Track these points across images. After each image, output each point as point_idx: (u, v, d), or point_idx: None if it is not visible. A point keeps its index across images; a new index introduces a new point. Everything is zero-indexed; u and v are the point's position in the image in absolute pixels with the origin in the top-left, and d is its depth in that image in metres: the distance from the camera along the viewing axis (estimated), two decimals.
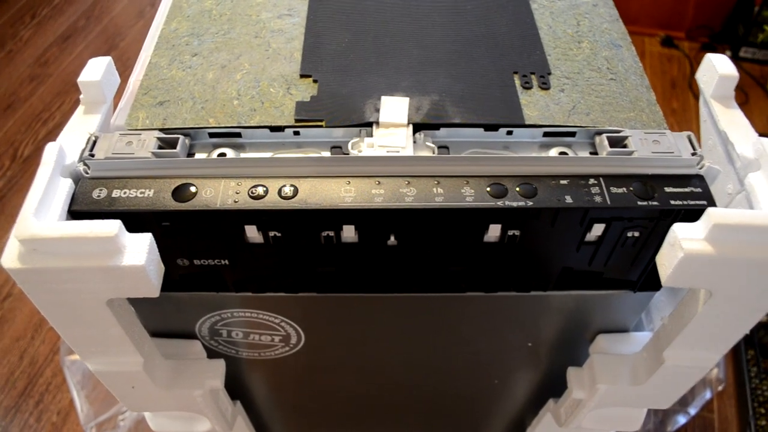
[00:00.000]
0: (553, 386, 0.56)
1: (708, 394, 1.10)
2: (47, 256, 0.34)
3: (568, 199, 0.37)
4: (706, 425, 1.08)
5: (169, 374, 0.47)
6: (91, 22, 1.85)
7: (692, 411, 1.08)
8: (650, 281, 0.44)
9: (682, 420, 1.07)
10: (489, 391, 0.61)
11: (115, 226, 0.33)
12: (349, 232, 0.38)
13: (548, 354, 0.54)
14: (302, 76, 0.45)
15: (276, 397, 0.63)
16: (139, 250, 0.34)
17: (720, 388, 1.11)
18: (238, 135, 0.42)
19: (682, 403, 1.09)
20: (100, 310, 0.37)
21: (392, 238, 0.39)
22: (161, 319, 0.49)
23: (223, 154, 0.42)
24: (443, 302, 0.47)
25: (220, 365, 0.49)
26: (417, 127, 0.41)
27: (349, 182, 0.38)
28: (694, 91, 1.66)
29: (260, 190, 0.37)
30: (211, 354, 0.53)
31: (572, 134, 0.42)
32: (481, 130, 0.42)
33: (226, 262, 0.41)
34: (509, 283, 0.44)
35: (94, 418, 1.07)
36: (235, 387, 0.58)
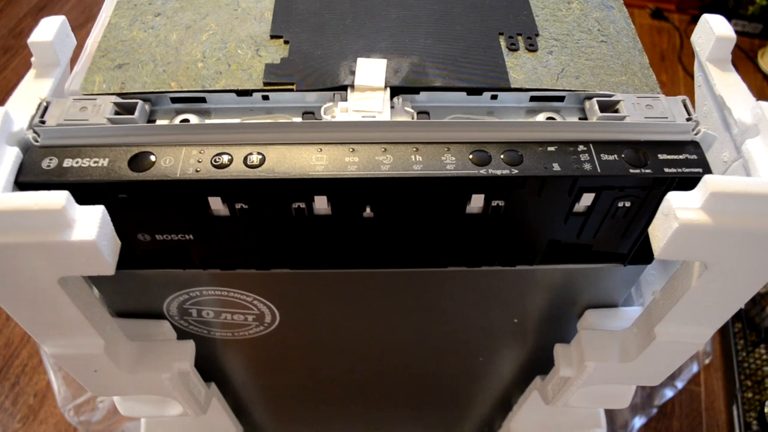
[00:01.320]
0: (540, 363, 0.55)
1: (695, 368, 1.10)
2: None
3: (556, 167, 0.34)
4: (693, 398, 1.08)
5: (134, 357, 0.44)
6: None
7: (679, 384, 1.08)
8: (641, 254, 0.42)
9: (669, 393, 1.07)
10: (474, 369, 0.59)
11: (62, 197, 0.30)
12: (321, 204, 0.36)
13: (535, 330, 0.52)
14: (273, 37, 0.42)
15: (253, 379, 0.60)
16: (90, 223, 0.31)
17: (707, 361, 1.11)
18: (203, 100, 0.39)
19: (669, 376, 1.08)
20: (51, 290, 0.35)
21: (368, 210, 0.37)
22: (126, 299, 0.46)
23: (186, 121, 0.39)
24: (424, 278, 0.44)
25: (189, 346, 0.46)
26: (395, 91, 0.39)
27: (321, 149, 0.35)
28: (684, 64, 1.64)
29: (224, 159, 0.35)
30: (182, 335, 0.50)
31: (561, 99, 0.40)
32: (464, 94, 0.39)
33: (191, 237, 0.39)
34: (494, 258, 0.42)
35: (72, 400, 1.04)
36: (210, 368, 0.55)
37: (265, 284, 0.45)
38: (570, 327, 0.50)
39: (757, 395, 1.05)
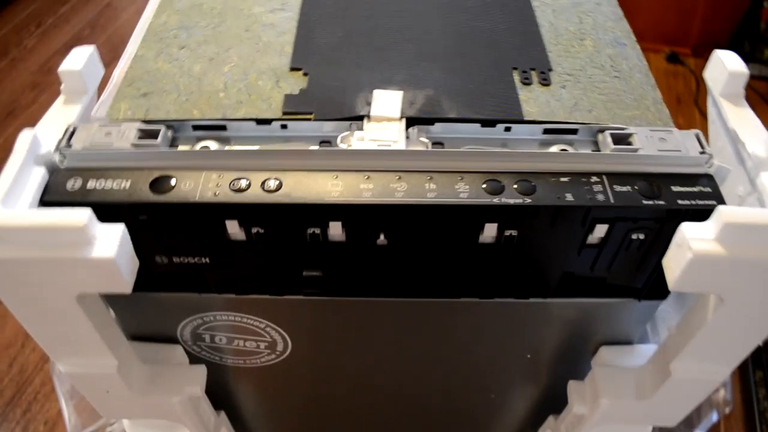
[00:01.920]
0: (553, 402, 0.54)
1: (715, 417, 1.06)
2: (14, 246, 0.32)
3: (569, 197, 0.35)
4: None
5: (146, 379, 0.44)
6: (96, 32, 1.85)
7: None
8: (656, 289, 0.41)
9: None
10: (485, 406, 0.58)
11: (85, 215, 0.31)
12: (336, 230, 0.36)
13: (548, 367, 0.52)
14: (292, 69, 0.43)
15: (263, 408, 0.60)
16: (111, 241, 0.32)
17: (727, 410, 1.08)
18: (223, 128, 0.41)
19: (688, 424, 1.05)
20: (69, 306, 0.35)
21: (382, 237, 0.37)
22: (141, 322, 0.47)
23: (206, 147, 0.40)
24: (436, 308, 0.44)
25: (200, 371, 0.46)
26: (410, 122, 0.39)
27: (337, 176, 0.36)
28: (700, 107, 1.64)
29: (242, 183, 0.35)
30: (194, 360, 0.50)
31: (574, 131, 0.40)
32: (478, 126, 0.40)
33: (207, 260, 0.39)
34: (507, 289, 0.42)
35: (82, 429, 1.04)
36: (220, 396, 0.55)
37: (278, 311, 0.45)
38: (584, 364, 0.49)
39: None
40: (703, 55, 1.83)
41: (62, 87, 0.42)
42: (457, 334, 0.47)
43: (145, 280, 0.41)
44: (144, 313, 0.46)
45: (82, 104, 0.41)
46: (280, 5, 0.49)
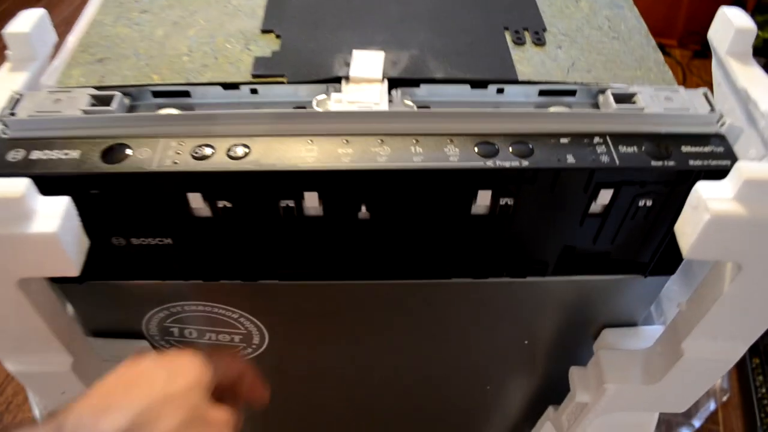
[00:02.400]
0: (553, 391, 0.50)
1: (712, 405, 1.04)
2: None
3: (570, 159, 0.31)
4: None
5: None
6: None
7: (696, 423, 1.02)
8: (663, 264, 0.38)
9: None
10: (480, 398, 0.55)
11: (21, 185, 0.27)
12: (312, 202, 0.32)
13: (547, 353, 0.48)
14: (264, 31, 0.39)
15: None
16: (53, 214, 0.28)
17: (724, 398, 1.05)
18: (187, 94, 0.37)
19: (686, 414, 1.03)
20: (11, 293, 0.31)
21: (363, 210, 0.33)
22: (101, 314, 0.42)
23: None
24: (425, 291, 0.41)
25: None
26: (393, 84, 0.36)
27: (312, 141, 0.32)
28: None
29: (206, 151, 0.32)
30: None
31: (572, 93, 0.37)
32: (468, 87, 0.36)
33: (170, 241, 0.35)
34: (502, 268, 0.38)
35: None
36: None
37: (252, 299, 0.41)
38: (585, 349, 0.46)
39: None
40: (689, 46, 1.81)
41: (8, 53, 0.38)
42: (449, 319, 0.44)
43: (102, 267, 0.37)
44: (104, 304, 0.42)
45: (30, 71, 0.37)
46: None
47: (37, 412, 1.08)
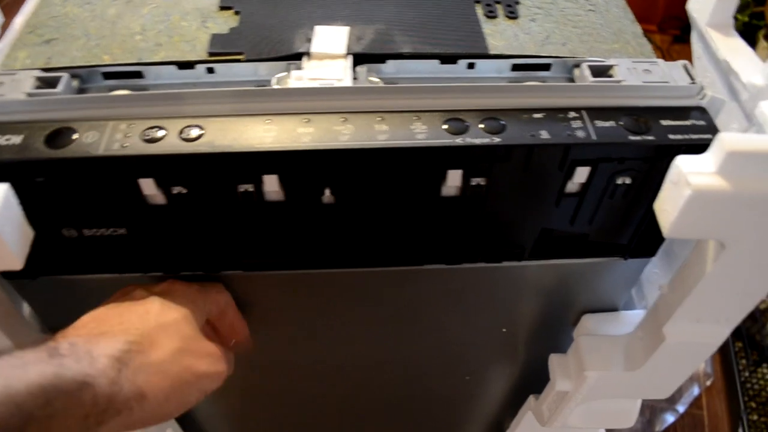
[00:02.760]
0: (533, 380, 0.49)
1: (696, 390, 1.04)
2: None
3: (544, 135, 0.30)
4: (696, 423, 1.02)
5: None
6: None
7: (680, 408, 1.02)
8: (644, 245, 0.37)
9: (670, 419, 1.01)
10: (459, 389, 0.53)
11: None
12: (272, 185, 0.30)
13: (526, 341, 0.47)
14: (222, 8, 0.37)
15: (214, 407, 0.54)
16: None
17: (708, 383, 1.05)
18: (139, 75, 0.34)
19: (670, 400, 1.02)
20: None
21: (327, 194, 0.31)
22: (58, 312, 0.40)
23: None
24: (397, 279, 0.39)
25: None
26: (358, 60, 0.34)
27: (270, 120, 0.30)
28: None
29: (157, 133, 0.29)
30: None
31: (546, 67, 0.35)
32: (437, 63, 0.34)
33: (124, 231, 0.33)
34: (476, 252, 0.37)
35: None
36: None
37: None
38: (565, 335, 0.45)
39: (762, 417, 0.99)
40: (669, 31, 1.81)
41: None
42: (423, 307, 0.42)
43: (55, 261, 0.35)
44: (61, 301, 0.39)
45: None
46: None
47: None
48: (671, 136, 0.30)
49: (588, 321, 0.42)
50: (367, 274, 0.38)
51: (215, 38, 0.35)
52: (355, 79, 0.33)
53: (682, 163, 0.27)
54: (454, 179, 0.31)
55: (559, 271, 0.39)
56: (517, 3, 0.38)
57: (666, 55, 1.71)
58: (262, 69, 0.34)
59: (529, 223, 0.35)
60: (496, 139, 0.29)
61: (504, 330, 0.45)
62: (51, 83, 0.33)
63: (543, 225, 0.35)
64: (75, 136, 0.30)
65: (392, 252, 0.36)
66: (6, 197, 0.27)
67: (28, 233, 0.29)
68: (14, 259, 0.28)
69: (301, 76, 0.32)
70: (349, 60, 0.33)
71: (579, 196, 0.33)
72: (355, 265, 0.37)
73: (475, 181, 0.31)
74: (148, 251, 0.35)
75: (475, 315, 0.43)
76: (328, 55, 0.33)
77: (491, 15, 0.37)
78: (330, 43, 0.34)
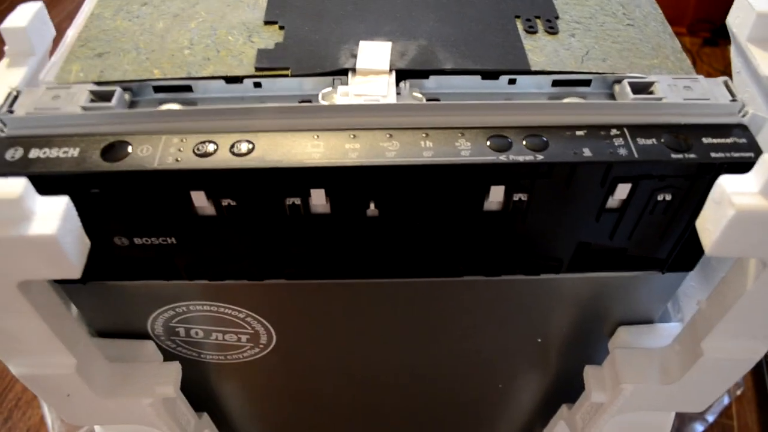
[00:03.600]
0: (567, 390, 0.49)
1: (726, 400, 1.02)
2: None
3: (587, 153, 0.30)
4: None
5: (112, 380, 0.40)
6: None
7: (710, 418, 1.01)
8: (682, 260, 0.37)
9: (699, 428, 1.00)
10: (492, 396, 0.54)
11: (19, 185, 0.26)
12: (319, 199, 0.31)
13: (561, 351, 0.47)
14: (267, 23, 0.38)
15: (249, 408, 0.55)
16: (52, 216, 0.27)
17: (738, 392, 1.04)
18: (189, 89, 0.36)
19: None
20: (11, 296, 0.30)
21: (372, 207, 0.32)
22: (106, 316, 0.42)
23: None
24: (437, 289, 0.40)
25: (174, 369, 0.41)
26: (401, 76, 0.35)
27: (318, 136, 0.31)
28: None
29: (208, 147, 0.31)
30: (169, 357, 0.45)
31: (587, 83, 0.35)
32: (478, 78, 0.35)
33: (174, 240, 0.34)
34: (515, 265, 0.37)
35: None
36: (201, 397, 0.50)
37: (258, 298, 0.40)
38: (600, 347, 0.45)
39: None
40: (699, 34, 1.78)
41: (6, 48, 0.37)
42: (460, 317, 0.43)
43: (105, 267, 0.36)
44: (108, 306, 0.41)
45: (29, 66, 0.36)
46: None
47: (46, 410, 1.07)
48: (713, 155, 0.30)
49: (624, 333, 0.43)
50: (408, 285, 0.39)
51: (261, 53, 0.36)
52: (398, 94, 0.34)
53: (725, 182, 0.27)
54: (496, 195, 0.31)
55: (596, 283, 0.39)
56: (557, 18, 0.39)
57: (696, 57, 1.69)
58: (307, 84, 0.35)
59: (568, 237, 0.35)
60: (540, 157, 0.30)
61: (539, 340, 0.45)
62: (105, 97, 0.34)
63: (582, 239, 0.35)
64: (129, 149, 0.31)
65: (433, 263, 0.37)
66: (67, 209, 0.28)
67: (85, 243, 0.30)
68: (73, 269, 0.29)
69: (347, 92, 0.33)
70: (393, 76, 0.34)
71: (619, 211, 0.33)
72: (396, 276, 0.38)
73: (517, 196, 0.32)
74: (195, 259, 0.36)
75: (512, 325, 0.44)
76: (373, 71, 0.34)
77: (531, 30, 0.37)
78: (374, 58, 0.35)
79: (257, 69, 0.35)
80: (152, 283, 0.38)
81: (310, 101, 0.35)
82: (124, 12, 0.40)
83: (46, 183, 0.29)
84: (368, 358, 0.47)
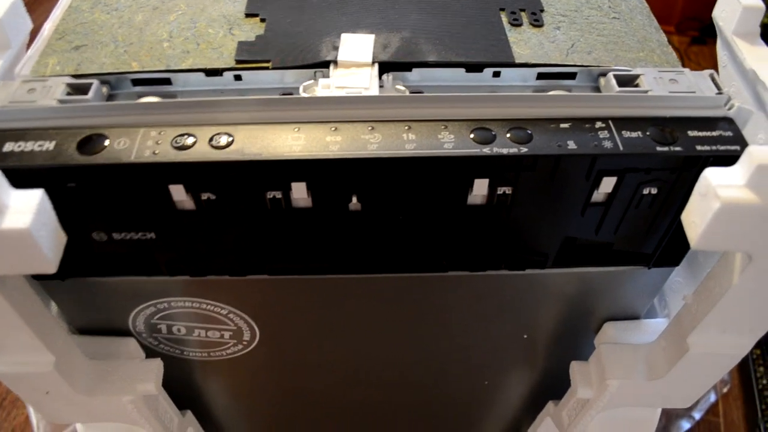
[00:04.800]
0: (553, 387, 0.49)
1: (712, 397, 1.03)
2: None
3: (571, 145, 0.30)
4: (712, 429, 1.01)
5: (92, 377, 0.39)
6: None
7: (696, 415, 1.01)
8: (668, 255, 0.37)
9: (686, 425, 1.00)
10: (478, 393, 0.53)
11: None
12: (300, 192, 0.31)
13: (547, 348, 0.47)
14: (248, 15, 0.38)
15: (234, 405, 0.55)
16: (25, 209, 0.26)
17: (725, 389, 1.04)
18: (168, 82, 0.35)
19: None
20: None
21: (354, 201, 0.32)
22: (86, 313, 0.41)
23: None
24: (421, 284, 0.39)
25: (155, 366, 0.41)
26: (384, 68, 0.34)
27: (299, 129, 0.30)
28: None
29: (187, 140, 0.30)
30: (152, 354, 0.45)
31: (572, 76, 0.35)
32: (462, 71, 0.35)
33: (153, 235, 0.34)
34: (500, 260, 0.37)
35: None
36: (185, 395, 0.50)
37: (241, 294, 0.40)
38: (586, 343, 0.45)
39: None
40: (687, 33, 1.79)
41: None
42: (446, 313, 0.42)
43: (83, 263, 0.36)
44: (88, 302, 0.40)
45: (3, 60, 0.35)
46: None
47: (31, 410, 1.06)
48: (699, 147, 0.30)
49: (610, 329, 0.42)
50: (392, 280, 0.38)
51: (242, 46, 0.35)
52: (381, 87, 0.34)
53: (711, 175, 0.27)
54: (480, 188, 0.31)
55: (581, 279, 0.39)
56: (542, 11, 0.38)
57: (684, 56, 1.69)
58: (288, 77, 0.35)
59: (553, 231, 0.35)
60: (524, 149, 0.29)
61: (525, 336, 0.45)
62: (82, 90, 0.33)
63: (567, 234, 0.35)
64: (107, 143, 0.30)
65: (417, 258, 0.36)
66: (41, 202, 0.27)
67: (61, 238, 0.29)
68: (48, 264, 0.28)
69: (328, 84, 0.33)
70: (375, 68, 0.34)
71: (604, 205, 0.33)
72: (380, 271, 0.37)
73: (501, 190, 0.31)
74: (176, 255, 0.35)
75: (497, 321, 0.43)
76: (355, 63, 0.34)
77: (516, 23, 0.37)
78: (356, 51, 0.34)
79: (237, 61, 0.34)
80: (132, 279, 0.38)
81: (291, 94, 0.34)
82: (102, 5, 0.39)
83: (20, 177, 0.29)
84: (352, 354, 0.47)
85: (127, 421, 0.42)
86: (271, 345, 0.44)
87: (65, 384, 0.37)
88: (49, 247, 0.28)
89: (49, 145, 0.30)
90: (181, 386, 0.48)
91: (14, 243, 0.27)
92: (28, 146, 0.30)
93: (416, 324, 0.43)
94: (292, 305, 0.41)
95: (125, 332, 0.43)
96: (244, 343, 0.44)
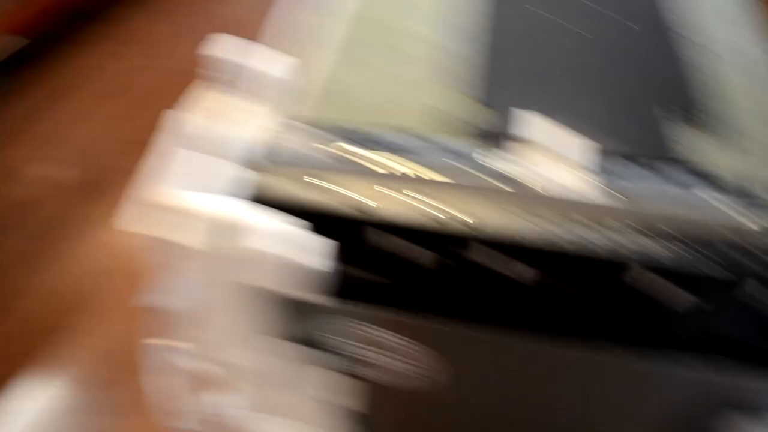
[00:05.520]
0: None
1: None
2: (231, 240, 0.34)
3: None
4: None
5: (285, 377, 0.46)
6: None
7: None
8: None
9: None
10: None
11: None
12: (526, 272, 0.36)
13: None
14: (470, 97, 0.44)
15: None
16: (322, 254, 0.33)
17: None
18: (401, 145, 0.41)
19: None
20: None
21: (569, 285, 0.36)
22: (298, 326, 0.47)
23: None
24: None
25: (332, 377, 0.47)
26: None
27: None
28: None
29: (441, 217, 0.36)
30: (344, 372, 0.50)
31: None
32: None
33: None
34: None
35: None
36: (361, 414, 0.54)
37: (438, 337, 0.44)
38: None
39: None
40: None
41: (262, 91, 0.44)
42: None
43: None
44: (308, 319, 0.46)
45: (272, 106, 0.43)
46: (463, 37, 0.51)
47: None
48: None
49: None
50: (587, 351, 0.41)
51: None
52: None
53: None
54: None
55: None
56: None
57: None
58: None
59: None
60: None
61: None
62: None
63: None
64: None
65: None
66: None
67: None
68: (320, 296, 0.35)
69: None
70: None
71: None
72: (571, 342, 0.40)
73: None
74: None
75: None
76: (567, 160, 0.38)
77: None
78: (568, 149, 0.39)
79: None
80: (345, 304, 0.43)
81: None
82: (352, 64, 0.47)
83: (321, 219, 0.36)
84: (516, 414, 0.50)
85: (302, 420, 0.48)
86: (447, 386, 0.47)
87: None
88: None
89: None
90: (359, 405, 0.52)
91: (304, 275, 0.33)
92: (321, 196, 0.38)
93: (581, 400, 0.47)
94: (482, 357, 0.45)
95: (321, 346, 0.48)
96: (426, 379, 0.47)
